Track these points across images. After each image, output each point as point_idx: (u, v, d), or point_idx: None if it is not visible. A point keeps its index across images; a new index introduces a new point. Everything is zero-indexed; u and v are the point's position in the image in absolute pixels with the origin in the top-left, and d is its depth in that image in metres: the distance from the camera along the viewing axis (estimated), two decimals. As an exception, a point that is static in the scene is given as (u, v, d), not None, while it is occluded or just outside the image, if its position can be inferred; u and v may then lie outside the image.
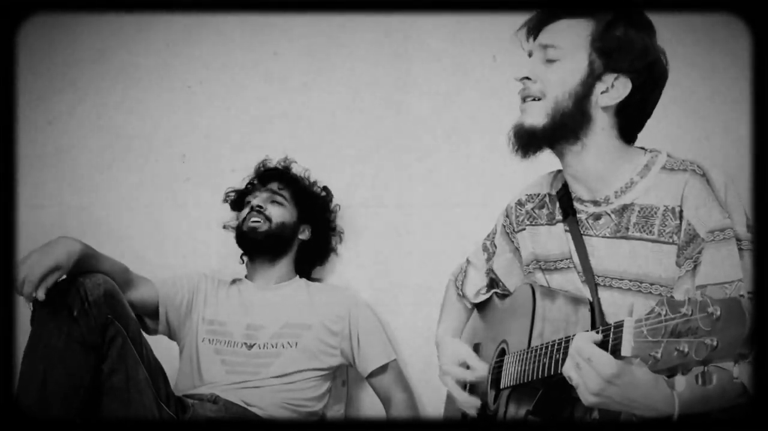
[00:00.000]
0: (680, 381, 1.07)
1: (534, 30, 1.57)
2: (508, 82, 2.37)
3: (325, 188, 2.45)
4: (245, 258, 2.41)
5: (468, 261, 1.91)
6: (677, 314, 1.06)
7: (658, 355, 1.08)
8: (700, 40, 2.20)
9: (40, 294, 1.76)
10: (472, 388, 1.74)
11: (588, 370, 1.22)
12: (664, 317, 1.08)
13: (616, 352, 1.19)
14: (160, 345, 2.14)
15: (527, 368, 1.46)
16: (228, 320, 2.23)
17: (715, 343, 1.01)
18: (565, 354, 1.31)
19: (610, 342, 1.22)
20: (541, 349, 1.43)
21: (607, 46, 1.48)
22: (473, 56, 2.42)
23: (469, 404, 1.69)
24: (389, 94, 2.49)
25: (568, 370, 1.27)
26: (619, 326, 1.19)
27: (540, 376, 1.41)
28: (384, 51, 2.50)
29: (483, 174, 2.39)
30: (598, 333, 1.26)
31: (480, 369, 1.67)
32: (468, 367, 1.70)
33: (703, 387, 1.04)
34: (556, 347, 1.38)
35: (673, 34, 2.13)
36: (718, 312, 1.01)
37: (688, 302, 1.05)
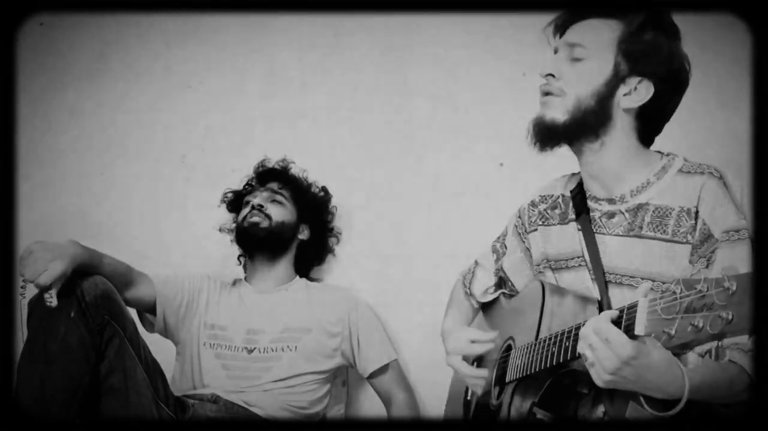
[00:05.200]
0: (692, 357, 1.07)
1: (561, 27, 1.57)
2: (509, 82, 2.39)
3: (323, 189, 2.45)
4: (242, 260, 2.42)
5: (476, 263, 1.91)
6: (692, 290, 1.07)
7: (672, 331, 1.08)
8: (700, 40, 2.20)
9: (54, 301, 1.77)
10: (479, 365, 1.75)
11: (605, 350, 1.22)
12: (679, 295, 1.09)
13: (629, 331, 1.20)
14: (158, 345, 2.15)
15: (535, 358, 1.46)
16: (229, 324, 2.23)
17: (730, 316, 1.01)
18: (575, 341, 1.31)
19: (623, 322, 1.22)
20: (550, 339, 1.44)
21: (635, 49, 1.49)
22: (473, 57, 2.42)
23: (477, 375, 1.69)
24: (389, 94, 2.49)
25: (584, 349, 1.27)
26: (633, 306, 1.20)
27: (548, 365, 1.41)
28: (383, 51, 2.50)
29: (482, 174, 2.39)
30: (614, 311, 1.26)
31: (488, 339, 1.68)
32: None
33: (716, 361, 1.04)
34: (566, 335, 1.38)
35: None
36: (734, 287, 1.02)
37: (704, 279, 1.06)
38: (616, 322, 1.24)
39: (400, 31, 2.48)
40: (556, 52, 1.58)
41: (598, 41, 1.51)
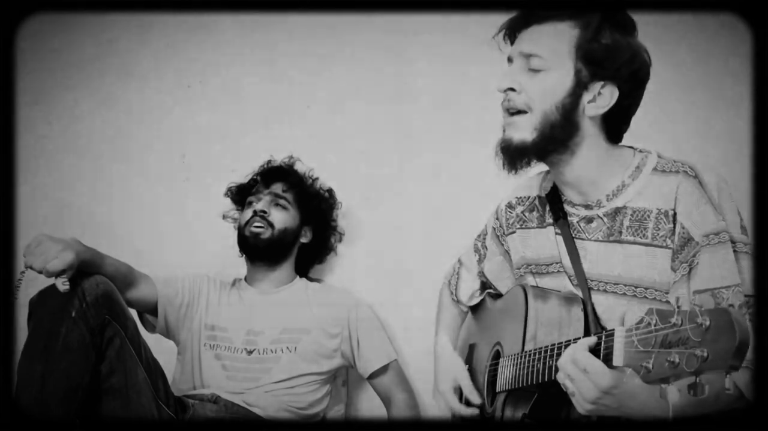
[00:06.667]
0: (673, 392, 1.07)
1: (512, 34, 1.52)
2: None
3: (329, 191, 2.43)
4: (243, 253, 2.40)
5: (460, 262, 1.90)
6: (667, 324, 1.06)
7: (650, 366, 1.08)
8: (700, 40, 2.20)
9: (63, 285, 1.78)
10: (470, 376, 1.75)
11: (584, 381, 1.22)
12: (654, 327, 1.08)
13: (608, 361, 1.20)
14: (159, 345, 2.14)
15: (521, 373, 1.46)
16: (229, 325, 2.23)
17: (705, 354, 1.01)
18: (559, 359, 1.31)
19: (602, 350, 1.22)
20: (535, 354, 1.43)
21: (595, 54, 1.44)
22: (473, 56, 2.42)
23: (467, 414, 1.71)
24: (389, 93, 2.49)
25: (563, 379, 1.27)
26: (610, 335, 1.19)
27: (534, 382, 1.41)
28: (384, 51, 2.50)
29: (483, 174, 2.38)
30: (592, 337, 1.26)
31: (473, 399, 1.68)
32: (462, 390, 1.72)
33: (694, 397, 1.03)
34: (549, 353, 1.38)
35: (673, 34, 2.15)
36: (708, 323, 1.01)
37: (678, 312, 1.05)
38: (594, 350, 1.23)
39: (400, 31, 2.48)
40: (510, 61, 1.51)
41: (555, 50, 1.45)
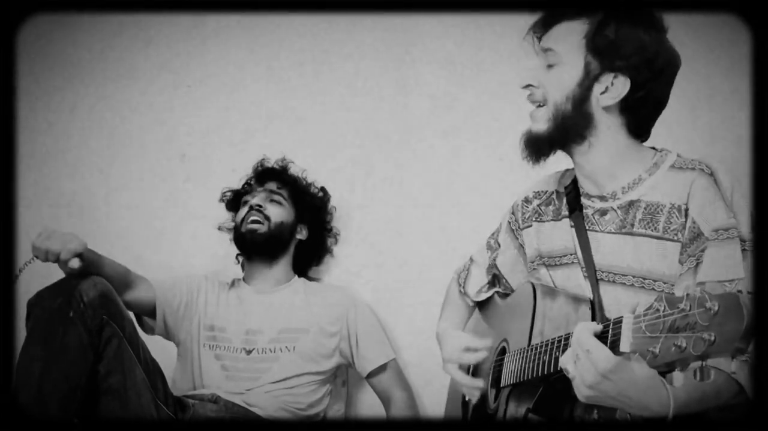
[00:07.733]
0: (678, 376, 1.07)
1: (538, 32, 1.57)
2: (508, 82, 2.39)
3: (322, 189, 2.45)
4: (241, 259, 2.41)
5: (471, 260, 1.91)
6: (675, 309, 1.07)
7: (657, 350, 1.08)
8: (700, 40, 2.20)
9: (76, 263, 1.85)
10: (475, 373, 1.75)
11: (585, 362, 1.22)
12: (662, 313, 1.09)
13: (615, 348, 1.19)
14: (157, 345, 2.15)
15: (527, 366, 1.46)
16: (228, 325, 2.23)
17: (712, 338, 1.01)
18: (565, 350, 1.31)
19: (609, 337, 1.22)
20: (541, 347, 1.43)
21: (600, 45, 1.48)
22: (473, 56, 2.42)
23: (473, 385, 1.70)
24: (389, 94, 2.49)
25: (566, 362, 1.26)
26: (618, 322, 1.19)
27: (540, 374, 1.41)
28: (384, 51, 2.50)
29: (482, 174, 2.39)
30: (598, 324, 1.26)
31: (482, 347, 1.68)
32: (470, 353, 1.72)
33: (700, 382, 1.04)
34: (555, 344, 1.38)
35: (673, 34, 2.14)
36: (716, 307, 1.01)
37: (687, 297, 1.06)
38: (601, 337, 1.23)
39: (400, 31, 2.48)
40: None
41: (567, 44, 1.51)
